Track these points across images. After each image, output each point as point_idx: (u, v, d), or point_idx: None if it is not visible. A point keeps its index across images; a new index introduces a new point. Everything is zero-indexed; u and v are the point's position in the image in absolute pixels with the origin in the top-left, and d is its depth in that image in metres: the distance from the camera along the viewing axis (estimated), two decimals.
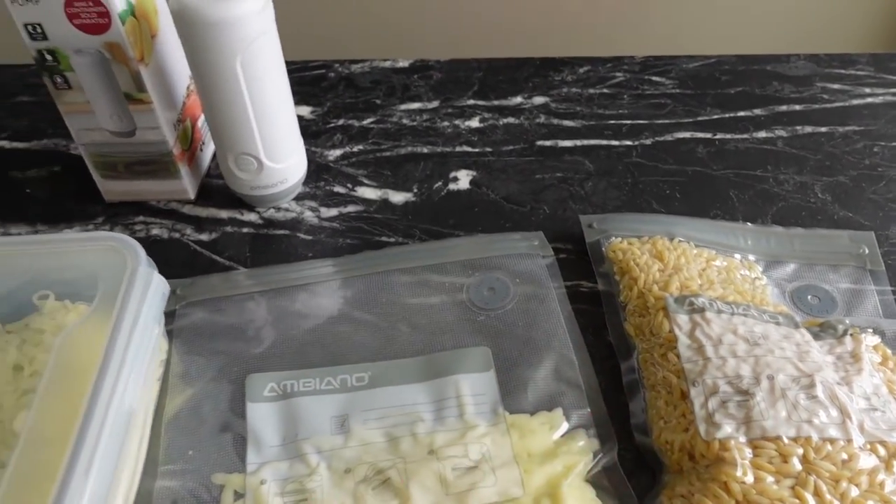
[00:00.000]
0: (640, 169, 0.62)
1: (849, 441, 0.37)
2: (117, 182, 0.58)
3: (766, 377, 0.40)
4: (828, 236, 0.54)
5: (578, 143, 0.65)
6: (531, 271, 0.51)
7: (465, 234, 0.56)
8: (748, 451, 0.37)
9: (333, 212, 0.59)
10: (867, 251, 0.52)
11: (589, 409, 0.43)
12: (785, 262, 0.52)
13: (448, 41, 1.10)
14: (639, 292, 0.47)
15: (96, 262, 0.44)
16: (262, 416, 0.44)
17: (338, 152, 0.64)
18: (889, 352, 0.44)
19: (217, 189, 0.61)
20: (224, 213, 0.59)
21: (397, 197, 0.60)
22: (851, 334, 0.44)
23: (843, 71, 0.73)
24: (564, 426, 0.42)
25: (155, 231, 0.57)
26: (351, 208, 0.59)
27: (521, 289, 0.50)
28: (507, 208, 0.58)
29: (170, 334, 0.48)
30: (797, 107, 0.68)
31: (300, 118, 0.62)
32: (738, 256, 0.51)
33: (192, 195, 0.59)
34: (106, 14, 0.48)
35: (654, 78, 0.72)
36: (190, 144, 0.59)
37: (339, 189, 0.61)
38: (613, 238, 0.52)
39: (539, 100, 0.70)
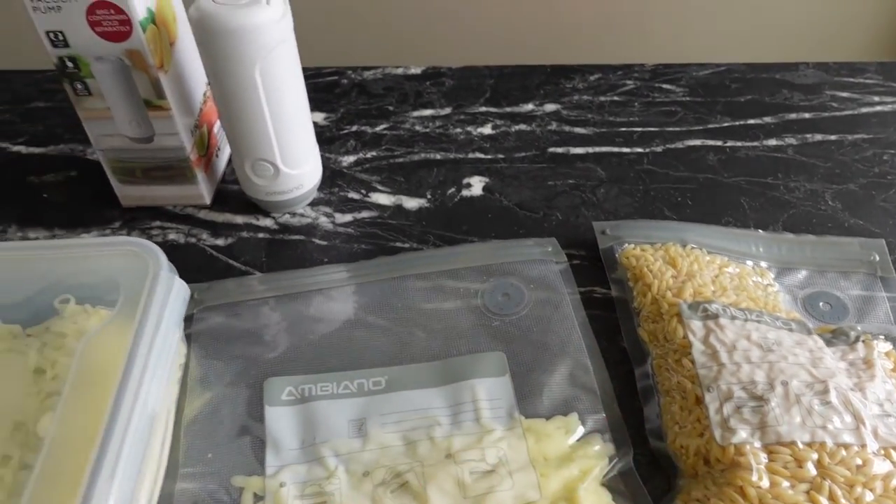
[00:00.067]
0: (651, 176, 0.62)
1: (863, 446, 0.38)
2: (134, 187, 0.59)
3: (780, 383, 0.40)
4: (839, 243, 0.54)
5: (590, 150, 0.65)
6: (545, 277, 0.52)
7: (478, 240, 0.57)
8: (763, 456, 0.38)
9: (348, 217, 0.59)
10: (878, 258, 0.53)
11: (604, 414, 0.44)
12: (796, 268, 0.52)
13: (459, 48, 1.10)
14: (652, 298, 0.48)
15: (117, 266, 0.44)
16: (281, 420, 0.44)
17: (351, 158, 0.65)
18: None
19: (232, 194, 0.61)
20: (240, 219, 0.59)
21: (411, 203, 0.60)
22: (863, 341, 0.45)
23: (851, 79, 0.73)
24: (580, 430, 0.43)
25: (171, 236, 0.58)
26: (365, 214, 0.59)
27: (535, 294, 0.51)
28: (520, 214, 0.59)
29: (188, 338, 0.49)
30: (807, 115, 0.69)
31: (314, 124, 0.63)
32: (749, 263, 0.52)
33: (207, 200, 0.60)
34: (127, 22, 0.48)
35: (665, 86, 0.73)
36: (206, 150, 0.59)
37: (353, 195, 0.61)
38: (627, 244, 0.53)
39: (550, 107, 0.71)
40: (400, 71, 0.76)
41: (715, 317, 0.45)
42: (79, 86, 0.52)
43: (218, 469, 0.42)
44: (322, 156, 0.61)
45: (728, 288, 0.48)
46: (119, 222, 0.59)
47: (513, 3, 1.08)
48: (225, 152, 0.64)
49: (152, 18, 0.50)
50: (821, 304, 0.50)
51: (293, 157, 0.55)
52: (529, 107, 0.71)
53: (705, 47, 1.11)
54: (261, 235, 0.58)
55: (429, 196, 0.61)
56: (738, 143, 0.65)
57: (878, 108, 0.69)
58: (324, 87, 0.74)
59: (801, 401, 0.39)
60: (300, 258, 0.56)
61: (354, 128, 0.69)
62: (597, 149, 0.65)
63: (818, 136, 0.66)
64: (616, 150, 0.65)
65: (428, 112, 0.70)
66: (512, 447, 0.41)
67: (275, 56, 0.49)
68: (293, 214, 0.59)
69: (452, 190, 0.61)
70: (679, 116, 0.69)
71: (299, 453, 0.42)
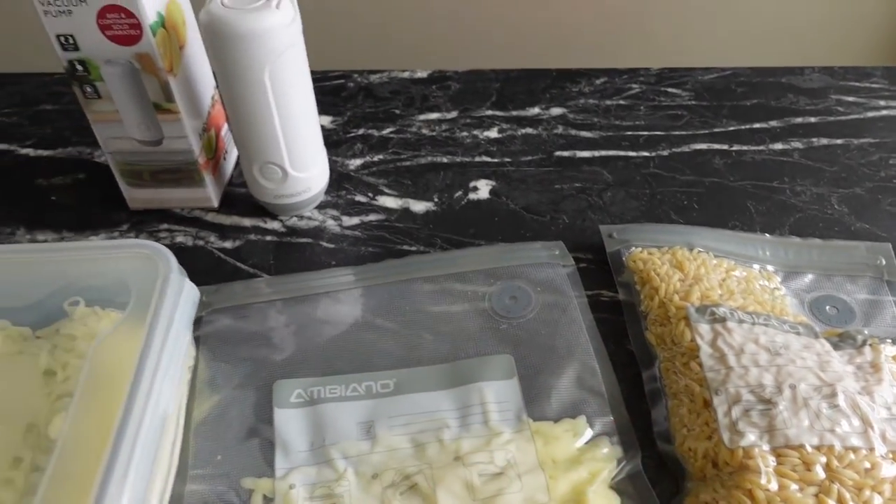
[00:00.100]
0: (657, 180, 0.62)
1: (871, 450, 0.38)
2: (142, 190, 0.59)
3: (788, 386, 0.40)
4: (845, 247, 0.55)
5: (596, 153, 0.65)
6: (552, 280, 0.52)
7: (485, 244, 0.57)
8: (772, 459, 0.38)
9: (355, 220, 0.59)
10: (884, 262, 0.53)
11: (612, 417, 0.44)
12: (803, 272, 0.52)
13: (464, 52, 1.11)
14: (660, 302, 0.48)
15: (128, 269, 0.45)
16: (290, 422, 0.44)
17: (358, 162, 0.65)
18: None
19: (239, 197, 0.62)
20: (247, 221, 0.59)
21: (418, 206, 0.61)
22: (871, 345, 0.45)
23: (857, 84, 0.73)
24: (588, 433, 0.43)
25: (179, 238, 0.58)
26: (372, 217, 0.60)
27: (542, 297, 0.51)
28: (526, 218, 0.59)
29: (196, 340, 0.49)
30: (812, 119, 0.69)
31: (321, 128, 0.63)
32: (756, 267, 0.52)
33: (215, 203, 0.60)
34: (138, 26, 0.48)
35: (670, 89, 0.73)
36: (214, 153, 0.60)
37: (360, 198, 0.61)
38: (634, 248, 0.53)
39: (556, 111, 0.71)
40: (406, 75, 0.76)
41: (723, 320, 0.45)
42: (88, 89, 0.52)
43: (227, 471, 0.42)
44: (329, 159, 0.62)
45: (735, 291, 0.48)
46: (127, 225, 0.60)
47: (518, 8, 1.08)
48: (232, 155, 0.64)
49: (162, 22, 0.50)
50: (827, 307, 0.50)
51: (301, 161, 0.55)
52: (535, 110, 0.71)
53: (710, 51, 1.11)
54: (268, 238, 0.58)
55: (436, 199, 0.61)
56: (745, 147, 0.66)
57: (885, 112, 0.69)
58: (330, 90, 0.74)
59: (809, 404, 0.39)
60: (308, 261, 0.56)
61: (361, 131, 0.69)
62: (603, 152, 0.66)
63: (824, 141, 0.66)
64: (622, 153, 0.65)
65: (434, 116, 0.71)
66: (520, 450, 0.42)
67: (284, 60, 0.50)
68: (301, 217, 0.60)
69: (459, 193, 0.62)
70: (685, 120, 0.69)
71: (308, 455, 0.43)
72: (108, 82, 0.52)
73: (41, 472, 0.40)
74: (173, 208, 0.61)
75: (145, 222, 0.60)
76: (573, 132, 0.68)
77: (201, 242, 0.58)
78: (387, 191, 0.62)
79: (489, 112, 0.71)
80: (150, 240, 0.54)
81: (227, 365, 0.48)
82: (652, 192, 0.61)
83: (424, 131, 0.69)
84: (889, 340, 0.45)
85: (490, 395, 0.45)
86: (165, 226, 0.59)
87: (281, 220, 0.59)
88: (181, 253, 0.56)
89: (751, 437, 0.39)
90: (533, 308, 0.50)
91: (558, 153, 0.66)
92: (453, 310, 0.50)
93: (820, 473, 0.37)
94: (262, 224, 0.59)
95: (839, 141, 0.66)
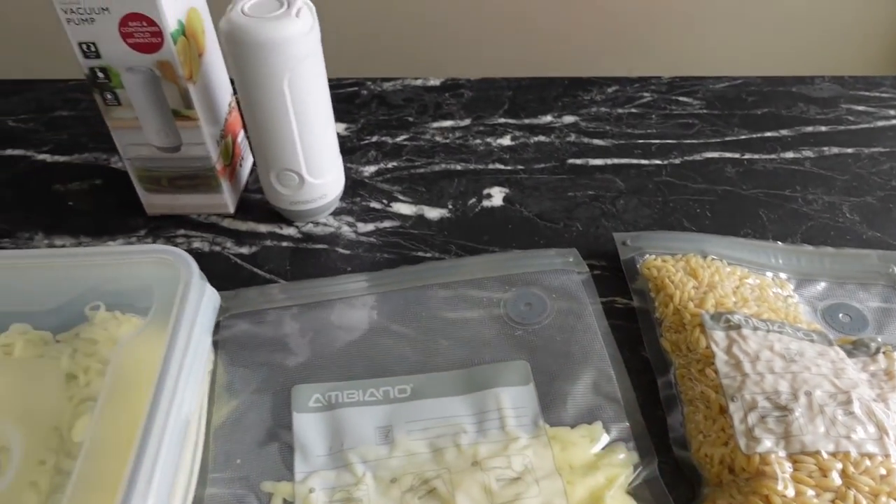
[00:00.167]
0: (670, 188, 0.63)
1: (886, 456, 0.38)
2: (160, 196, 0.60)
3: (803, 393, 0.41)
4: (857, 256, 0.55)
5: (609, 161, 0.66)
6: (567, 287, 0.52)
7: (500, 250, 0.57)
8: (788, 466, 0.38)
9: (370, 227, 0.60)
10: None
11: (628, 423, 0.44)
12: (816, 280, 0.53)
13: (476, 61, 1.11)
14: (674, 309, 0.48)
15: (149, 274, 0.45)
16: (309, 426, 0.45)
17: (372, 168, 0.66)
18: None
19: (255, 203, 0.62)
20: (263, 227, 0.60)
21: (432, 213, 0.61)
22: (884, 352, 0.45)
23: (867, 93, 0.74)
24: (605, 439, 0.43)
25: (196, 244, 0.59)
26: (387, 223, 0.60)
27: (557, 304, 0.51)
28: (540, 225, 0.60)
29: (214, 345, 0.49)
30: (823, 128, 0.69)
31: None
32: (769, 274, 0.52)
33: (231, 209, 0.61)
34: (159, 34, 0.49)
35: (682, 98, 0.74)
36: (231, 160, 0.60)
37: (374, 204, 0.62)
38: (648, 255, 0.53)
39: (569, 119, 0.71)
40: (419, 82, 0.77)
41: (737, 327, 0.45)
42: (108, 96, 0.53)
43: (247, 474, 0.43)
44: (343, 166, 0.62)
45: (749, 299, 0.49)
46: (144, 230, 0.60)
47: (528, 17, 1.09)
48: (248, 162, 0.65)
49: (183, 30, 0.51)
50: (840, 315, 0.50)
51: (318, 167, 0.56)
52: (548, 118, 0.71)
53: (720, 61, 1.12)
54: (284, 244, 0.59)
55: (450, 206, 0.62)
56: (756, 156, 0.66)
57: (895, 121, 0.70)
58: (344, 97, 0.75)
59: (824, 411, 0.40)
60: (324, 267, 0.57)
61: (375, 138, 0.69)
62: (615, 160, 0.66)
63: (835, 150, 0.67)
64: (635, 161, 0.66)
65: (448, 123, 0.71)
66: (538, 455, 0.42)
67: (303, 68, 0.50)
68: (316, 224, 0.60)
69: (473, 200, 0.62)
70: (696, 129, 0.70)
71: (327, 459, 0.43)
72: (128, 89, 0.52)
73: (64, 475, 0.40)
74: (190, 214, 0.61)
75: (162, 228, 0.60)
76: (585, 140, 0.69)
77: (218, 248, 0.59)
78: (401, 197, 0.63)
79: (502, 120, 0.71)
80: (167, 245, 0.55)
81: (245, 369, 0.48)
82: (664, 199, 0.62)
83: (438, 139, 0.69)
84: None
85: (506, 400, 0.45)
86: (182, 231, 0.60)
87: (296, 227, 0.60)
88: (198, 258, 0.56)
89: (767, 443, 0.39)
90: (548, 314, 0.51)
91: (571, 161, 0.66)
92: (469, 316, 0.51)
93: (836, 480, 0.37)
94: (277, 230, 0.60)
95: (850, 150, 0.66)
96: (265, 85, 0.50)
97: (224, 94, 0.59)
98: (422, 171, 0.66)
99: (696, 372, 0.45)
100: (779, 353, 0.43)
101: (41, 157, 0.69)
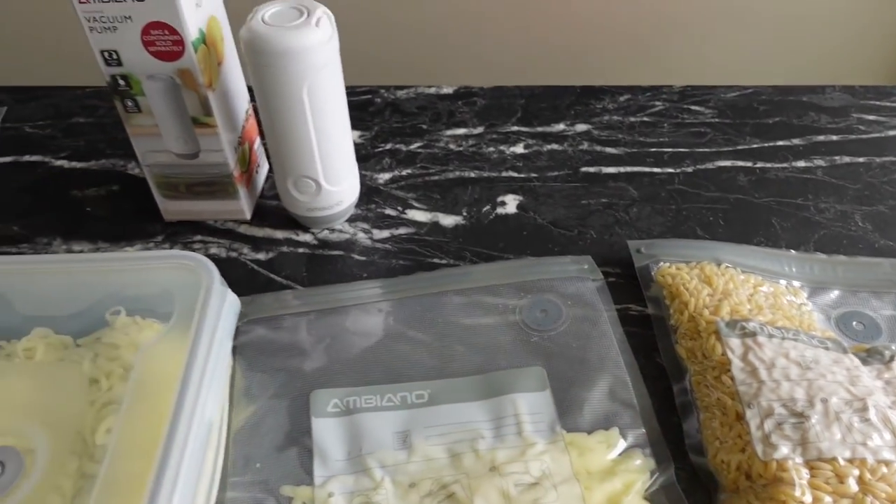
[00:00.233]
0: (682, 196, 0.63)
1: None
2: (177, 202, 0.60)
3: (819, 400, 0.41)
4: (869, 264, 0.55)
5: (622, 169, 0.66)
6: (582, 294, 0.53)
7: (514, 257, 0.58)
8: (805, 472, 0.38)
9: (385, 234, 0.60)
10: None
11: (644, 429, 0.44)
12: (829, 288, 0.53)
13: (486, 69, 1.12)
14: (689, 316, 0.49)
15: (170, 279, 0.46)
16: (327, 431, 0.45)
17: (387, 176, 0.66)
18: None
19: (270, 210, 0.63)
20: (279, 234, 0.60)
21: (447, 220, 0.62)
22: None
23: (878, 103, 0.74)
24: (621, 445, 0.43)
25: (213, 250, 0.59)
26: (402, 230, 0.61)
27: (572, 311, 0.51)
28: (554, 232, 0.60)
29: (232, 350, 0.50)
30: (834, 137, 0.70)
31: None
32: (783, 282, 0.53)
33: (248, 215, 0.61)
34: (180, 42, 0.50)
35: (693, 107, 0.74)
36: (247, 166, 0.61)
37: (389, 211, 0.63)
38: (662, 263, 0.54)
39: (581, 127, 0.72)
40: (432, 90, 0.77)
41: (753, 335, 0.45)
42: (129, 103, 0.54)
43: (266, 478, 0.43)
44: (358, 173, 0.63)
45: (763, 307, 0.49)
46: (161, 236, 0.61)
47: (539, 26, 1.10)
48: (263, 168, 0.65)
49: (203, 39, 0.52)
50: (854, 323, 0.51)
51: (335, 175, 0.57)
52: (560, 126, 0.72)
53: (731, 70, 1.12)
54: (301, 250, 0.59)
55: (464, 213, 0.62)
56: (768, 165, 0.66)
57: None
58: (358, 105, 0.75)
59: (840, 418, 0.40)
60: (340, 273, 0.57)
61: (389, 146, 0.70)
62: (628, 168, 0.66)
63: (846, 159, 0.67)
64: (647, 170, 0.66)
65: (461, 131, 0.72)
66: (555, 460, 0.42)
67: (322, 76, 0.51)
68: (332, 230, 0.61)
69: (487, 208, 0.63)
70: (708, 137, 0.70)
71: (346, 464, 0.43)
72: (149, 97, 0.53)
73: (87, 479, 0.41)
74: (206, 220, 0.62)
75: (179, 234, 0.61)
76: (598, 148, 0.69)
77: (234, 254, 0.59)
78: (416, 204, 0.63)
79: (515, 128, 0.72)
80: (184, 251, 0.55)
81: (263, 375, 0.49)
82: (678, 207, 0.62)
83: (451, 146, 0.70)
84: None
85: (523, 406, 0.46)
86: (199, 237, 0.61)
87: (312, 233, 0.60)
88: (216, 264, 0.57)
89: (784, 449, 0.39)
90: (563, 321, 0.51)
91: (584, 169, 0.67)
92: (484, 322, 0.51)
93: (853, 486, 0.38)
94: (294, 236, 0.60)
95: (861, 159, 0.67)
96: (285, 93, 0.51)
97: (241, 101, 0.59)
98: (436, 178, 0.66)
99: (712, 379, 0.45)
100: (794, 361, 0.44)
101: (59, 163, 0.69)
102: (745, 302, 0.49)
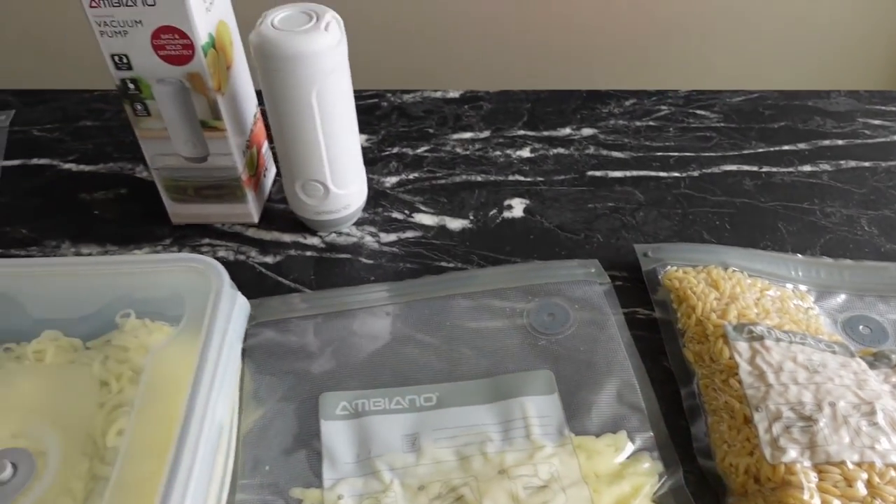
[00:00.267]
0: (689, 200, 0.63)
1: None
2: (186, 205, 0.60)
3: (827, 404, 0.41)
4: (876, 268, 0.55)
5: (628, 173, 0.67)
6: (589, 298, 0.53)
7: (521, 261, 0.58)
8: (813, 476, 0.38)
9: (392, 237, 0.61)
10: None
11: (652, 433, 0.44)
12: (835, 292, 0.53)
13: (492, 73, 1.12)
14: (697, 320, 0.49)
15: (180, 282, 0.46)
16: (336, 434, 0.45)
17: (394, 179, 0.67)
18: None
19: (278, 213, 0.63)
20: (287, 237, 0.61)
21: (454, 224, 0.62)
22: None
23: (883, 107, 0.74)
24: (629, 448, 0.44)
25: (221, 253, 0.60)
26: (409, 234, 0.61)
27: (580, 314, 0.52)
28: (561, 236, 0.60)
29: (242, 353, 0.50)
30: (840, 141, 0.70)
31: None
32: (789, 286, 0.53)
33: (256, 219, 0.62)
34: (190, 46, 0.50)
35: (699, 111, 0.74)
36: (255, 170, 0.61)
37: (396, 215, 0.63)
38: (669, 267, 0.54)
39: (587, 131, 0.72)
40: (438, 94, 0.78)
41: (760, 338, 0.46)
42: (139, 107, 0.54)
43: (276, 481, 0.43)
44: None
45: (771, 310, 0.49)
46: (169, 239, 0.61)
47: (545, 30, 1.10)
48: (271, 172, 0.66)
49: (213, 43, 0.52)
50: (861, 327, 0.51)
51: (343, 178, 0.57)
52: (567, 131, 0.72)
53: (736, 75, 1.12)
54: (308, 254, 0.59)
55: (471, 217, 0.62)
56: (774, 169, 0.67)
57: None
58: (364, 109, 0.75)
59: (848, 422, 0.40)
60: (347, 276, 0.57)
61: (396, 149, 0.70)
62: (634, 172, 0.67)
63: (852, 163, 0.67)
64: (653, 174, 0.66)
65: (467, 135, 0.72)
66: (564, 463, 0.42)
67: (331, 81, 0.51)
68: (339, 233, 0.61)
69: (494, 211, 0.63)
70: (714, 142, 0.70)
71: (355, 467, 0.44)
72: (158, 101, 0.53)
73: (98, 481, 0.41)
74: (214, 223, 0.62)
75: (187, 237, 0.61)
76: (604, 152, 0.69)
77: (242, 257, 0.59)
78: (423, 208, 0.63)
79: (521, 132, 0.72)
80: (192, 254, 0.55)
81: (271, 377, 0.49)
82: (684, 212, 0.62)
83: (458, 150, 0.70)
84: None
85: (532, 409, 0.46)
86: (207, 241, 0.61)
87: (320, 236, 0.61)
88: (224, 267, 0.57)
89: (792, 453, 0.39)
90: (571, 325, 0.51)
91: (590, 173, 0.67)
92: (492, 326, 0.51)
93: (861, 490, 0.38)
94: (301, 240, 0.60)
95: (867, 164, 0.67)
96: (294, 97, 0.51)
97: (250, 105, 0.60)
98: (443, 182, 0.66)
99: (719, 382, 0.45)
100: (802, 365, 0.44)
101: (67, 166, 0.70)
102: (753, 306, 0.49)
